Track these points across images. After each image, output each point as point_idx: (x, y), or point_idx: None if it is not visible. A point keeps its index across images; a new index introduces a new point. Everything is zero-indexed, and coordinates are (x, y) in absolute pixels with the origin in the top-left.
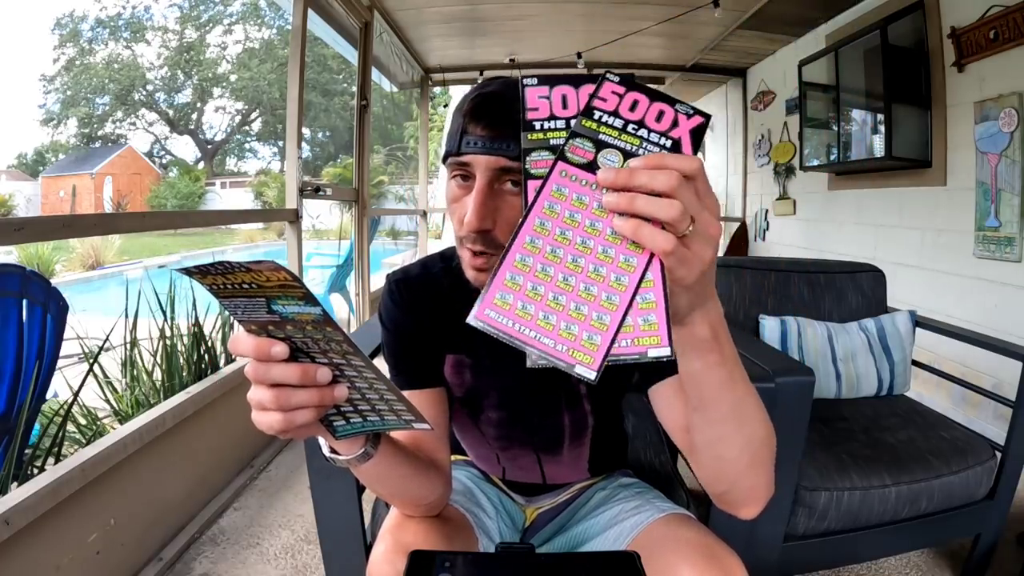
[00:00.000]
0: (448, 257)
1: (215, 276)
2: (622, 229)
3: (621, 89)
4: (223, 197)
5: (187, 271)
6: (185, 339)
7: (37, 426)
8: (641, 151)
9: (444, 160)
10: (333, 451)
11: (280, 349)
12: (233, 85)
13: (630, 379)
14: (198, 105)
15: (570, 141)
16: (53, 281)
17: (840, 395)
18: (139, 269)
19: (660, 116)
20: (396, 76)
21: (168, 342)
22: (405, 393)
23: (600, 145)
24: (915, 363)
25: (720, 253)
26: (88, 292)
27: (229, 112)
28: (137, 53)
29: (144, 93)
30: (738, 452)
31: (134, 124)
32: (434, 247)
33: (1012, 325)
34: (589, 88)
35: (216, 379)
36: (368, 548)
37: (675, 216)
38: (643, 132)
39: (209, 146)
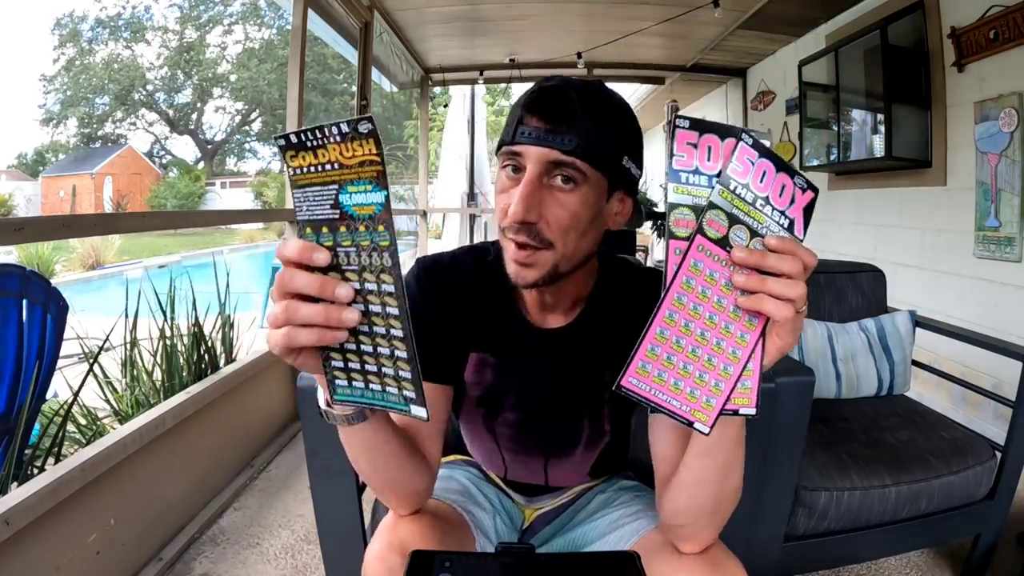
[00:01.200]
0: (480, 251)
1: (307, 152)
2: (747, 304)
3: (754, 155)
4: (223, 197)
5: (285, 139)
6: (185, 339)
7: (37, 426)
8: (764, 230)
9: (498, 150)
10: (328, 404)
11: (322, 256)
12: (233, 85)
13: None
14: (198, 105)
15: (708, 213)
16: (53, 281)
17: (840, 395)
18: (139, 269)
19: (782, 191)
20: (396, 76)
21: (168, 342)
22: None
23: (732, 220)
24: (915, 363)
25: None
26: (88, 292)
27: (229, 112)
28: (137, 53)
29: (144, 93)
30: (712, 501)
31: (134, 124)
32: (434, 247)
33: (1012, 325)
34: (731, 144)
35: (216, 379)
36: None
37: (800, 296)
38: (768, 209)
39: (209, 146)
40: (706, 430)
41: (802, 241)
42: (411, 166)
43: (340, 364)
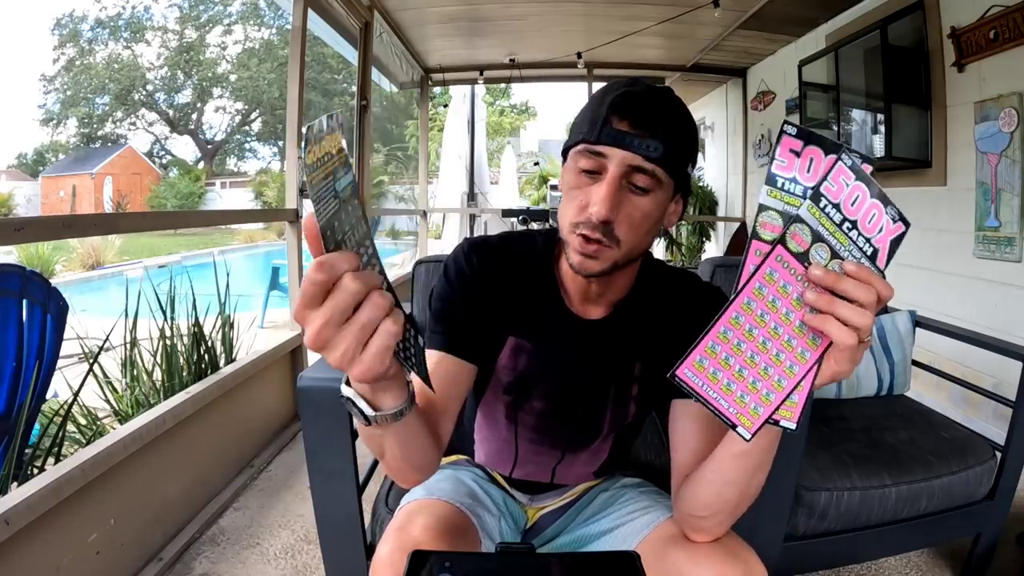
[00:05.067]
0: (529, 238)
1: (317, 145)
2: (813, 322)
3: (851, 177)
4: (223, 197)
5: (308, 128)
6: (185, 339)
7: (37, 426)
8: (846, 253)
9: (571, 147)
10: (373, 407)
11: (356, 260)
12: (233, 85)
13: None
14: (198, 105)
15: (794, 225)
16: (53, 281)
17: (840, 395)
18: (139, 269)
19: (872, 218)
20: (396, 76)
21: (168, 342)
22: (439, 354)
23: (816, 237)
24: (915, 363)
25: (720, 253)
26: (88, 292)
27: (229, 112)
28: (137, 53)
29: (144, 93)
30: (736, 498)
31: (134, 124)
32: (434, 247)
33: (1012, 325)
34: (831, 160)
35: (216, 379)
36: (368, 548)
37: (866, 326)
38: (854, 234)
39: (209, 146)
40: (748, 436)
41: (883, 273)
42: (411, 166)
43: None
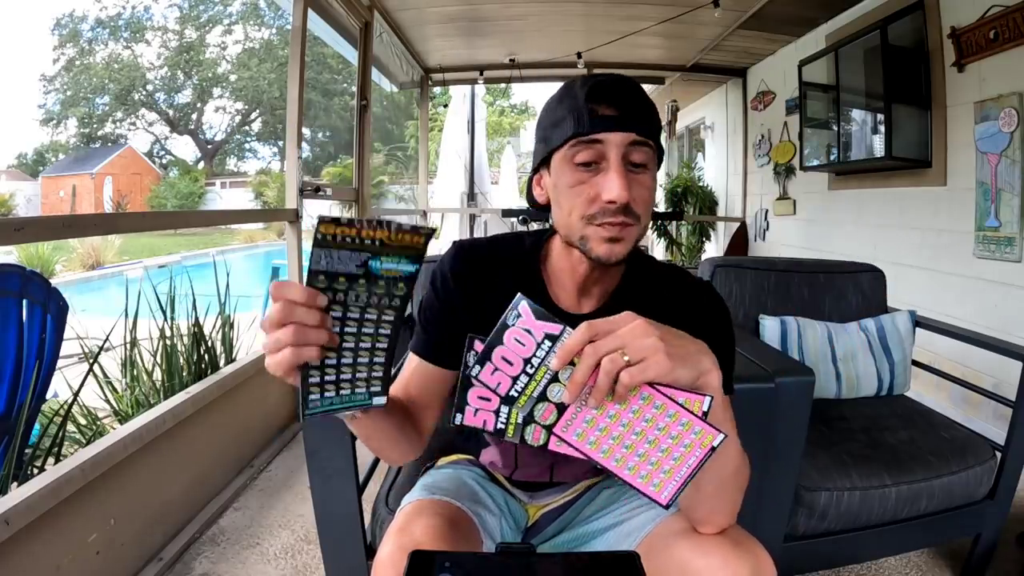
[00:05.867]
0: (517, 239)
1: (350, 228)
2: (598, 389)
3: (523, 327)
4: (223, 197)
5: (335, 220)
6: (185, 339)
7: (37, 426)
8: (547, 370)
9: (556, 148)
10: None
11: (323, 300)
12: (233, 85)
13: None
14: (198, 105)
15: (541, 403)
16: (53, 281)
17: (840, 395)
18: (139, 269)
19: (525, 336)
20: (396, 76)
21: (168, 342)
22: (418, 359)
23: (551, 384)
24: (915, 363)
25: (720, 253)
26: (88, 292)
27: (229, 112)
28: (137, 53)
29: (144, 93)
30: (713, 485)
31: (134, 124)
32: (433, 248)
33: (1012, 325)
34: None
35: (216, 379)
36: (368, 548)
37: (597, 355)
38: (540, 353)
39: (209, 146)
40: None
41: (563, 331)
42: (411, 166)
43: (316, 379)
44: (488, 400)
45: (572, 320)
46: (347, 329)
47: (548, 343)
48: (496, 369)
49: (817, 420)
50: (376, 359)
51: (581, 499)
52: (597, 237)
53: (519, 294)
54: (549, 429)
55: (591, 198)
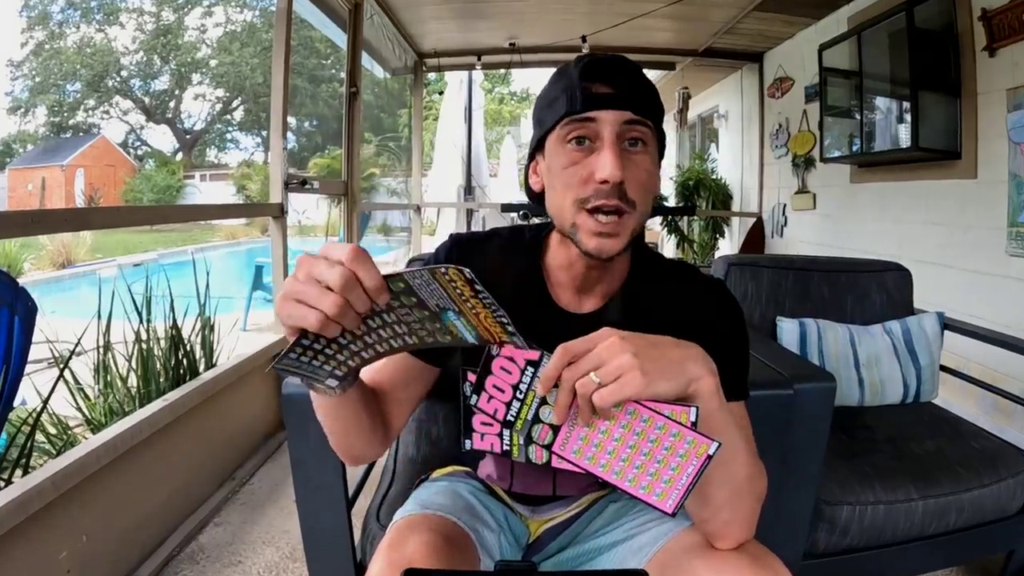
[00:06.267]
0: (516, 232)
1: (472, 290)
2: (585, 411)
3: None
4: (203, 191)
5: (468, 276)
6: (162, 343)
7: (4, 435)
8: (536, 396)
9: (549, 131)
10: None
11: (385, 298)
12: (213, 71)
13: None
14: (176, 92)
15: (536, 424)
16: (21, 280)
17: (863, 402)
18: (113, 268)
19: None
20: (388, 61)
21: (144, 346)
22: (404, 353)
23: (540, 410)
24: (943, 368)
25: (735, 250)
26: (58, 292)
27: (209, 100)
28: (111, 36)
29: (118, 79)
30: (717, 486)
31: (107, 112)
32: (428, 243)
33: None
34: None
35: (195, 385)
36: (358, 566)
37: (574, 377)
38: (527, 379)
39: (188, 136)
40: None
41: (542, 356)
42: (404, 158)
43: (308, 344)
44: (491, 425)
45: (572, 320)
46: (371, 325)
47: (531, 369)
48: (491, 397)
49: (838, 429)
50: (364, 355)
51: (586, 513)
52: (588, 229)
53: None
54: (548, 448)
55: (584, 179)
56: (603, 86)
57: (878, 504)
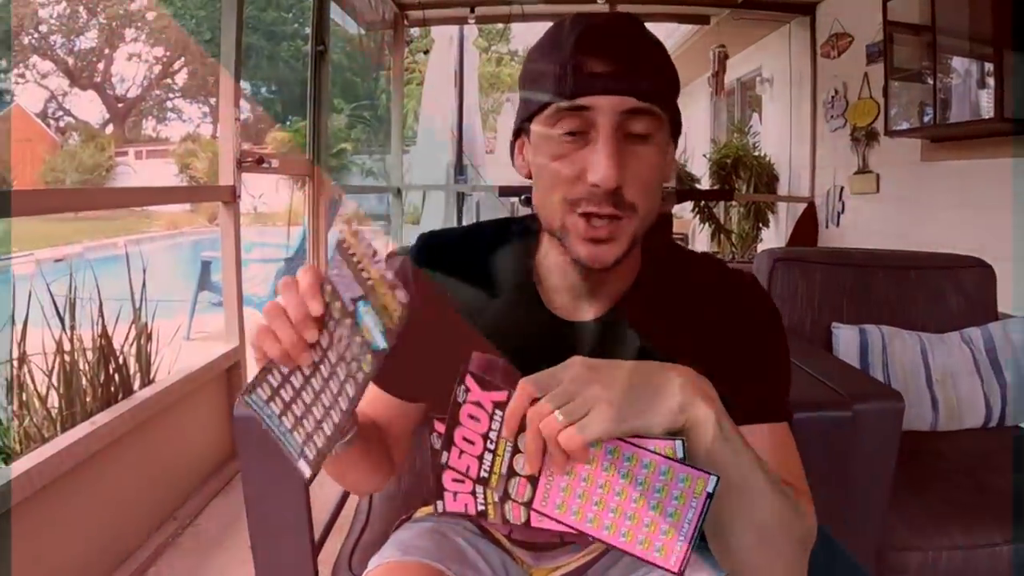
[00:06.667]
0: (499, 227)
1: (358, 247)
2: (558, 456)
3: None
4: (138, 171)
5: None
6: (89, 354)
7: None
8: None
9: (537, 112)
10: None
11: (316, 307)
12: (151, 25)
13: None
14: (106, 51)
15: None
16: None
17: (936, 426)
18: (29, 264)
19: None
20: (362, 13)
21: (67, 358)
22: (376, 390)
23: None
24: None
25: (782, 243)
26: None
27: (146, 60)
28: None
29: (36, 36)
30: (737, 532)
31: (23, 76)
32: (410, 233)
33: None
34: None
35: (129, 405)
36: None
37: (545, 430)
38: (495, 423)
39: (120, 104)
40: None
41: (508, 396)
42: (382, 130)
43: (275, 382)
44: (462, 483)
45: (570, 330)
46: (321, 369)
47: (499, 412)
48: (462, 452)
49: (907, 458)
50: (325, 421)
51: (601, 561)
52: (578, 233)
53: (470, 358)
54: (528, 506)
55: (574, 176)
56: (600, 63)
57: (955, 549)
